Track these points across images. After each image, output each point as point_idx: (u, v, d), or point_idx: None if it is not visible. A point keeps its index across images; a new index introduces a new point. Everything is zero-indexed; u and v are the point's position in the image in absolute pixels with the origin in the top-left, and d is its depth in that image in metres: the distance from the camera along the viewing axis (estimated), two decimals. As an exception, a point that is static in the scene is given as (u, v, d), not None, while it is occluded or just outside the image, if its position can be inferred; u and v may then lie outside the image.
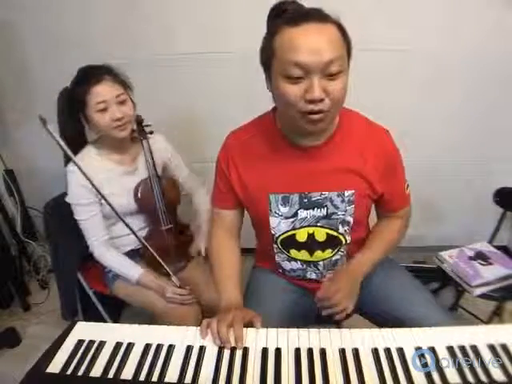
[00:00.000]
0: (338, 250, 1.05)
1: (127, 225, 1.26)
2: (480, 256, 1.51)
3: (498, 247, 1.57)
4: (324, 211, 0.98)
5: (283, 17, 0.80)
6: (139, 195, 1.33)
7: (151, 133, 1.37)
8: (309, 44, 0.75)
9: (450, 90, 1.75)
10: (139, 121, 1.34)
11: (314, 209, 0.98)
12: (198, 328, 0.86)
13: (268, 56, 0.82)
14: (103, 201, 1.27)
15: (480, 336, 0.79)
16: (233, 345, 0.81)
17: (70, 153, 1.15)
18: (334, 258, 1.06)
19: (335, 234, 1.01)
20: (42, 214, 1.44)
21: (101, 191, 1.25)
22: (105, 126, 1.20)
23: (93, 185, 1.19)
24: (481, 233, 1.67)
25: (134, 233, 1.28)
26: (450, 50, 1.66)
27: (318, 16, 0.77)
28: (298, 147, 0.94)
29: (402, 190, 1.05)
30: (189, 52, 1.73)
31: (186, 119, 1.87)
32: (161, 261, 1.29)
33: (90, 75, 1.19)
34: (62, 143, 1.12)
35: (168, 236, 1.40)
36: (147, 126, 1.36)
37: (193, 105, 1.85)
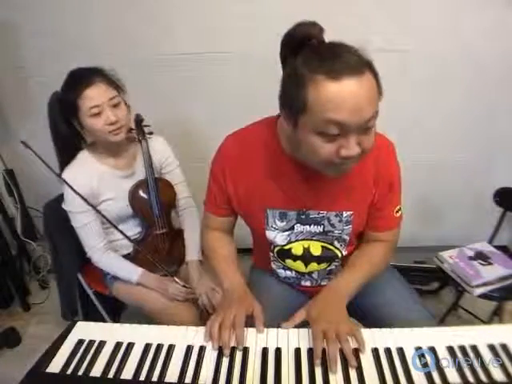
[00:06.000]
0: (333, 262, 1.05)
1: (121, 232, 1.27)
2: (480, 256, 1.51)
3: (498, 247, 1.56)
4: (320, 228, 0.97)
5: (314, 58, 0.70)
6: (135, 197, 1.32)
7: (150, 133, 1.35)
8: (351, 103, 0.68)
9: (451, 90, 1.75)
10: (139, 120, 1.33)
11: (310, 225, 0.97)
12: (198, 328, 0.86)
13: (297, 108, 0.72)
14: (99, 207, 1.27)
15: (480, 336, 0.79)
16: (233, 345, 0.81)
17: (54, 171, 1.17)
18: (328, 269, 1.06)
19: (331, 247, 1.01)
20: (41, 214, 1.44)
21: (97, 197, 1.26)
22: (99, 130, 1.17)
23: (82, 197, 1.19)
24: (481, 233, 1.67)
25: (129, 239, 1.28)
26: (450, 49, 1.66)
27: (355, 66, 0.69)
28: (298, 164, 0.89)
29: (392, 209, 0.99)
30: (189, 52, 1.73)
31: (185, 119, 1.87)
32: (160, 265, 1.29)
33: (81, 78, 1.15)
34: (50, 164, 1.16)
35: (162, 240, 1.40)
36: (146, 126, 1.34)
37: (192, 105, 1.85)
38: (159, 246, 1.40)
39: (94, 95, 1.13)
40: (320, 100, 0.69)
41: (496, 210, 1.63)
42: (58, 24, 1.71)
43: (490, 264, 1.47)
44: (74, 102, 1.15)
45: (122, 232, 1.29)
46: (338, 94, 0.68)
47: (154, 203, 1.34)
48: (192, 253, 1.39)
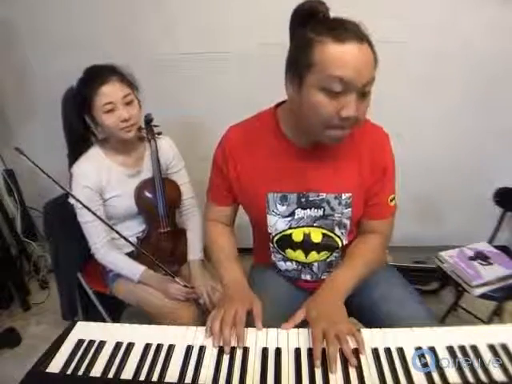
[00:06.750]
0: (333, 253, 1.06)
1: (118, 233, 1.27)
2: (480, 256, 1.51)
3: (498, 247, 1.57)
4: (321, 212, 0.99)
5: (322, 26, 0.78)
6: (140, 196, 1.33)
7: (159, 133, 1.37)
8: (353, 64, 0.76)
9: (449, 88, 1.75)
10: (149, 120, 1.34)
11: (311, 209, 0.98)
12: (198, 328, 0.86)
13: (303, 66, 0.79)
14: (106, 202, 1.29)
15: (480, 336, 0.79)
16: (233, 345, 0.81)
17: (51, 177, 1.17)
18: (328, 260, 1.07)
19: (331, 234, 1.02)
20: (42, 214, 1.44)
21: (104, 193, 1.28)
22: (112, 126, 1.20)
23: (80, 202, 1.19)
24: (481, 233, 1.67)
25: (127, 240, 1.29)
26: (447, 46, 1.66)
27: (357, 34, 0.78)
28: (297, 147, 0.95)
29: (386, 198, 1.01)
30: (189, 52, 1.73)
31: (185, 118, 1.87)
32: (160, 265, 1.28)
33: (96, 75, 1.18)
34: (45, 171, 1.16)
35: (165, 239, 1.40)
36: (156, 126, 1.36)
37: (193, 104, 1.85)
38: (162, 245, 1.40)
39: (109, 92, 1.16)
40: (326, 59, 0.77)
41: (496, 210, 1.64)
42: (58, 24, 1.72)
43: (489, 264, 1.47)
44: (89, 98, 1.17)
45: (118, 233, 1.28)
46: (342, 54, 0.76)
47: (159, 202, 1.35)
48: (194, 252, 1.40)
